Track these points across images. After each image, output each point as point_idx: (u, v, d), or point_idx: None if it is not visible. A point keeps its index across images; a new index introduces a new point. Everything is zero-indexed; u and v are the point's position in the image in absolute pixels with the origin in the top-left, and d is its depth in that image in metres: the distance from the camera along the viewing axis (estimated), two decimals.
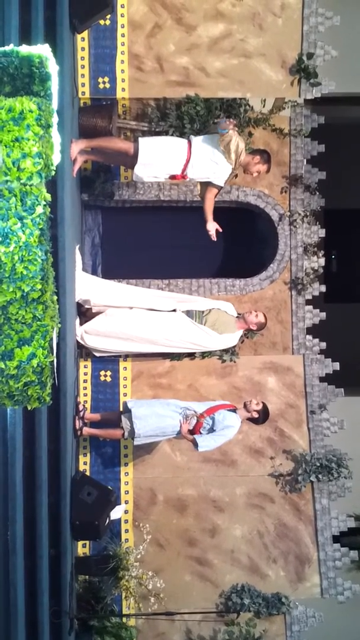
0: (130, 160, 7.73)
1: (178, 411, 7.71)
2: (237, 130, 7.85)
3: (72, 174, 7.51)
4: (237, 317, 8.31)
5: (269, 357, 8.68)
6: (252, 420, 7.91)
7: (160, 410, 7.72)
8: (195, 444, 7.64)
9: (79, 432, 7.87)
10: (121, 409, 8.04)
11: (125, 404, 7.92)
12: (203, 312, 8.20)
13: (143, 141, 7.73)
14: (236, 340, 8.42)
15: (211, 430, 7.68)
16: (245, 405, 7.83)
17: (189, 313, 8.17)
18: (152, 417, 7.68)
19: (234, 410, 7.80)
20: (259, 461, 8.56)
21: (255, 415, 7.83)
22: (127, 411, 7.78)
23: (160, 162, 7.72)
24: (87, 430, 7.97)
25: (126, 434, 7.75)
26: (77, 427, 7.81)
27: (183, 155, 7.69)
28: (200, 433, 7.68)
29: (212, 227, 7.76)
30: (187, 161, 7.69)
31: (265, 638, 8.15)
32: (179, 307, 8.19)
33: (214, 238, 7.78)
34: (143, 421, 7.66)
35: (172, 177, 7.84)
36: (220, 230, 7.78)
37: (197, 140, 7.74)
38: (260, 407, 7.83)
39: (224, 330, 8.23)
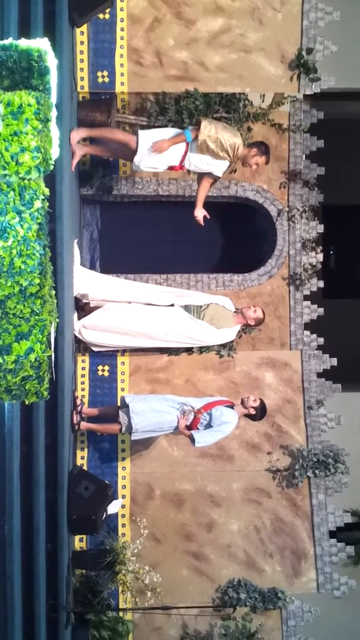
0: (130, 153, 7.72)
1: (175, 406, 7.71)
2: (221, 125, 7.75)
3: (71, 168, 7.50)
4: (235, 312, 8.31)
5: (267, 352, 8.69)
6: (249, 416, 7.91)
7: (158, 405, 7.71)
8: (193, 440, 7.64)
9: (76, 427, 7.87)
10: (119, 404, 8.03)
11: (122, 398, 7.92)
12: (201, 307, 8.19)
13: (143, 134, 7.72)
14: (234, 335, 8.42)
15: (208, 426, 7.68)
16: (242, 402, 7.83)
17: (187, 308, 8.17)
18: (149, 412, 7.67)
19: (231, 406, 7.80)
20: (256, 456, 8.57)
21: (253, 411, 7.83)
22: (125, 406, 7.78)
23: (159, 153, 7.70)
24: (84, 425, 7.97)
25: (123, 428, 7.76)
26: (75, 421, 7.81)
27: (181, 147, 7.68)
28: (198, 429, 7.68)
29: (200, 213, 7.74)
30: (185, 153, 7.68)
31: (261, 632, 8.17)
32: (177, 301, 8.18)
33: (202, 223, 7.75)
34: (140, 416, 7.66)
35: (171, 167, 7.83)
36: (208, 217, 7.75)
37: None
38: (257, 403, 7.83)
39: (221, 325, 8.23)
